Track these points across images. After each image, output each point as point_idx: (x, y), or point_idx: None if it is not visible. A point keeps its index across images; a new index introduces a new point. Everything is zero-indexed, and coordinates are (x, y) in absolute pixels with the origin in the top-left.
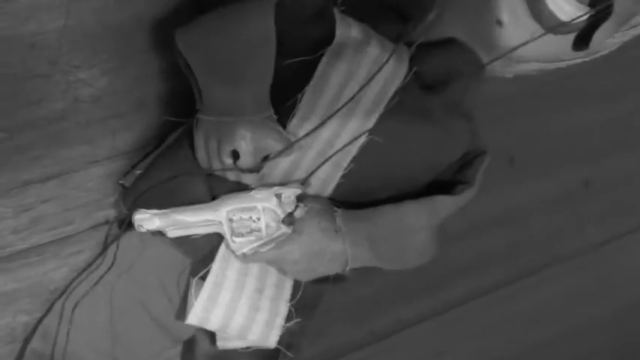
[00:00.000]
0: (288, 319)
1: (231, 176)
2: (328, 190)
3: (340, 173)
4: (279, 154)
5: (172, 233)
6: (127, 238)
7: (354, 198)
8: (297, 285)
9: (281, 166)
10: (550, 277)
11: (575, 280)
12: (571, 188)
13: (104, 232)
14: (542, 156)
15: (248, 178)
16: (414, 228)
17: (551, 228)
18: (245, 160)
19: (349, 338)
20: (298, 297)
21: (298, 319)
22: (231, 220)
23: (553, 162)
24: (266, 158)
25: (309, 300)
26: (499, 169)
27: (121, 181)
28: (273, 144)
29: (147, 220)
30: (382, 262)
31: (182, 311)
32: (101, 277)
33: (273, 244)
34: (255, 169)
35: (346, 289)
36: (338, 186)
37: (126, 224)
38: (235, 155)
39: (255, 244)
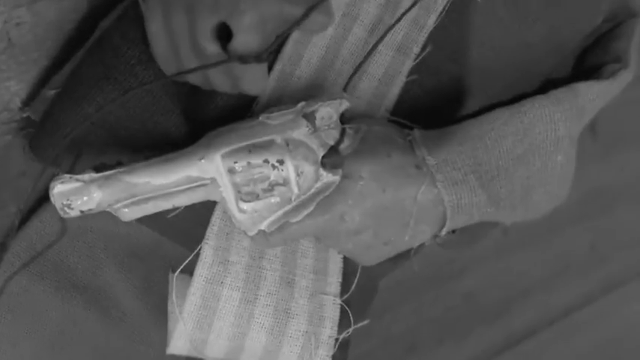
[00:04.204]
0: (341, 325)
1: (221, 82)
2: (389, 99)
3: (409, 64)
4: (302, 23)
5: (129, 213)
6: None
7: (432, 112)
8: (349, 267)
9: (308, 55)
10: None
11: None
12: None
13: None
14: (631, 122)
15: (253, 82)
16: (547, 141)
17: None
18: (244, 40)
19: None
20: (353, 287)
21: (364, 322)
22: (232, 171)
23: None
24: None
25: (361, 290)
26: (578, 143)
27: (25, 112)
28: (290, 7)
29: (77, 192)
30: (501, 208)
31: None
32: None
33: (311, 206)
34: (263, 56)
35: (372, 328)
36: (406, 90)
37: (28, 199)
38: (223, 35)
39: (279, 212)
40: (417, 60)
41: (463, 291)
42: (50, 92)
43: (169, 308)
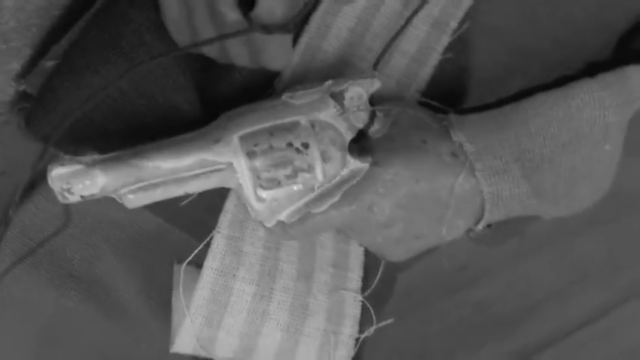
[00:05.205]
0: (362, 324)
1: (240, 55)
2: (421, 78)
3: (445, 40)
4: None
5: (135, 199)
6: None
7: (466, 94)
8: (369, 260)
9: (337, 27)
10: None
11: None
12: None
13: None
14: None
15: (276, 56)
16: (595, 128)
17: None
18: (268, 7)
19: None
20: (375, 283)
21: (388, 321)
22: (251, 155)
23: None
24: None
25: (379, 283)
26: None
27: (20, 86)
28: None
29: (78, 175)
30: (544, 201)
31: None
32: None
33: (337, 195)
34: (289, 26)
35: (378, 337)
36: (439, 69)
37: (28, 182)
38: (245, 1)
39: (301, 201)
40: (454, 36)
41: (475, 300)
42: (49, 63)
43: (174, 302)
